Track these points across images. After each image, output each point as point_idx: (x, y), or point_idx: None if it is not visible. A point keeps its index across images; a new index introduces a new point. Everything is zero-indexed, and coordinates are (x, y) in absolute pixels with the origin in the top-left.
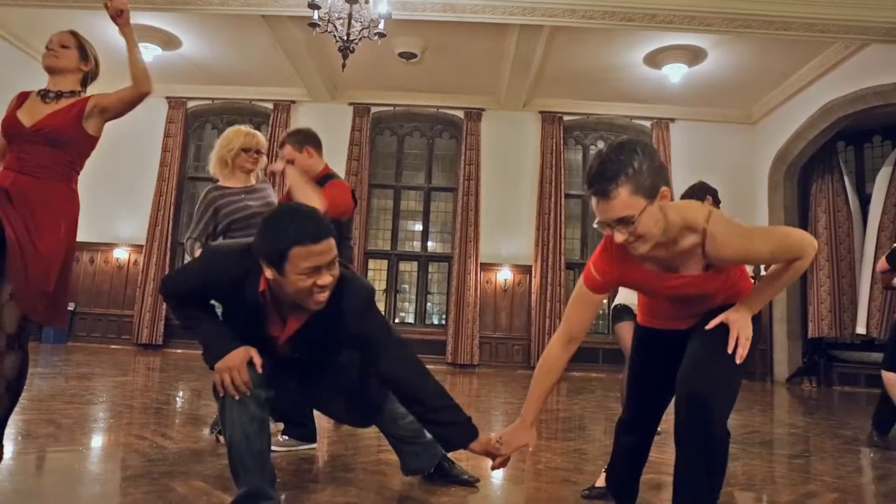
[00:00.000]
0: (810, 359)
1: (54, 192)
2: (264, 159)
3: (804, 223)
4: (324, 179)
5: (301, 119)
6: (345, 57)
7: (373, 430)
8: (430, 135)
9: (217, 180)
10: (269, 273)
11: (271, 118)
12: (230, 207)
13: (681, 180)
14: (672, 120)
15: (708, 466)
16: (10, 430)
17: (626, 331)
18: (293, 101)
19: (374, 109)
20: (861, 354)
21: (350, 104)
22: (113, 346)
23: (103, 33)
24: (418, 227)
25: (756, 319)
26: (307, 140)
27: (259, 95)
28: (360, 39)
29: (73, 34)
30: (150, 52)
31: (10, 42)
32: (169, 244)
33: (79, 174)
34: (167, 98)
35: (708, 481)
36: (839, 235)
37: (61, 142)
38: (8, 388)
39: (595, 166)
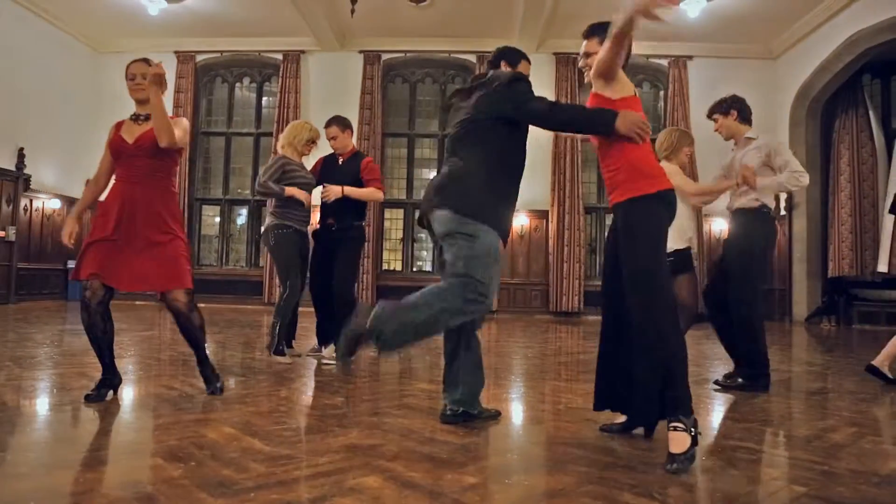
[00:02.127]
0: (830, 298)
1: (160, 193)
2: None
3: (826, 160)
4: (357, 157)
5: (311, 69)
6: (353, 2)
7: (395, 375)
8: (442, 81)
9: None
10: None
11: (281, 69)
12: (292, 174)
13: (700, 119)
14: (690, 57)
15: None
16: (45, 384)
17: (686, 282)
18: (302, 51)
19: (384, 56)
20: (882, 293)
21: (360, 52)
22: (138, 303)
23: None
24: (434, 174)
25: (770, 261)
26: (348, 124)
27: (268, 46)
28: None
29: (150, 63)
30: (155, 6)
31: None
32: (186, 199)
33: (175, 177)
34: (176, 52)
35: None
36: (862, 172)
37: (154, 151)
38: (201, 327)
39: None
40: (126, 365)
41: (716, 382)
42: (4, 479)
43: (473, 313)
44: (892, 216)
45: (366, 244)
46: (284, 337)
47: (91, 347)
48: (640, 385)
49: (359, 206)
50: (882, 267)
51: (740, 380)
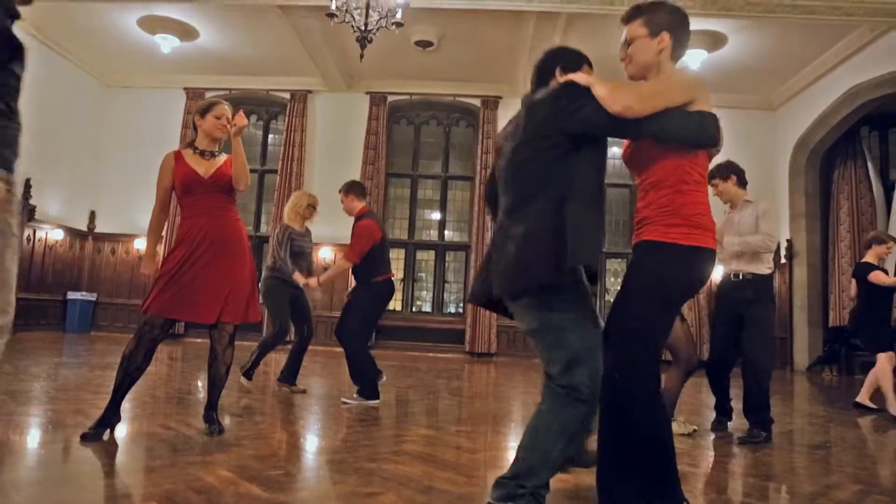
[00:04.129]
0: (831, 347)
1: (233, 224)
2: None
3: (826, 210)
4: (357, 221)
5: (318, 108)
6: (363, 47)
7: (393, 420)
8: (446, 123)
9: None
10: None
11: (288, 107)
12: (298, 242)
13: None
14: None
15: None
16: (40, 419)
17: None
18: (310, 91)
19: (390, 98)
20: None
21: (367, 93)
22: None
23: (121, 24)
24: (435, 215)
25: (774, 308)
26: (349, 188)
27: (276, 85)
28: (377, 30)
29: (230, 109)
30: (168, 44)
31: (25, 31)
32: None
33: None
34: (185, 89)
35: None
36: (862, 223)
37: (228, 187)
38: (227, 371)
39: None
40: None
41: (739, 441)
42: None
43: None
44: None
45: (380, 297)
46: (291, 372)
47: (111, 380)
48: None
49: (366, 268)
50: None
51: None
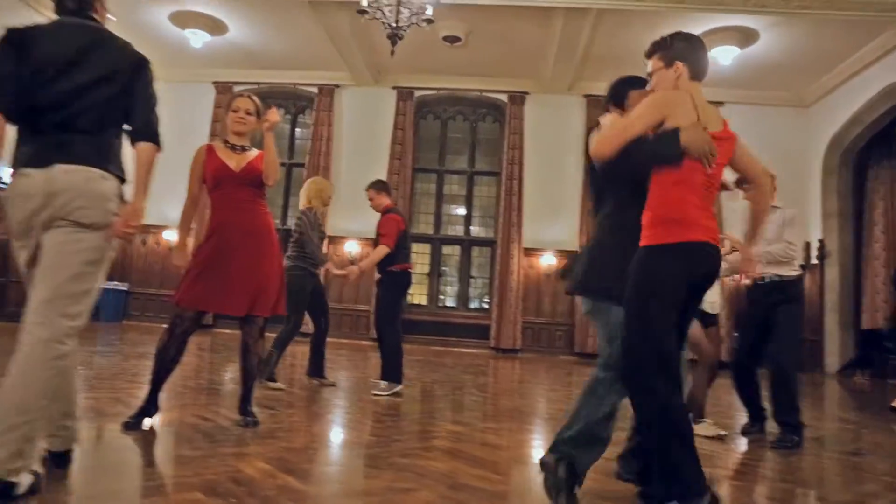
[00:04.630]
0: (863, 350)
1: (263, 218)
2: None
3: (860, 210)
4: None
5: (345, 102)
6: (393, 44)
7: (419, 414)
8: (473, 118)
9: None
10: None
11: (315, 101)
12: (322, 228)
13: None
14: (721, 104)
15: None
16: (81, 408)
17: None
18: (337, 85)
19: (417, 93)
20: None
21: (393, 88)
22: (165, 325)
23: (153, 20)
24: (461, 211)
25: (803, 310)
26: (372, 184)
27: (303, 80)
28: (408, 26)
29: (253, 100)
30: (198, 38)
31: None
32: None
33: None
34: (214, 83)
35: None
36: None
37: (258, 181)
38: (258, 362)
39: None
40: None
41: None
42: None
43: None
44: None
45: (398, 286)
46: (318, 366)
47: (145, 369)
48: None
49: (386, 257)
50: None
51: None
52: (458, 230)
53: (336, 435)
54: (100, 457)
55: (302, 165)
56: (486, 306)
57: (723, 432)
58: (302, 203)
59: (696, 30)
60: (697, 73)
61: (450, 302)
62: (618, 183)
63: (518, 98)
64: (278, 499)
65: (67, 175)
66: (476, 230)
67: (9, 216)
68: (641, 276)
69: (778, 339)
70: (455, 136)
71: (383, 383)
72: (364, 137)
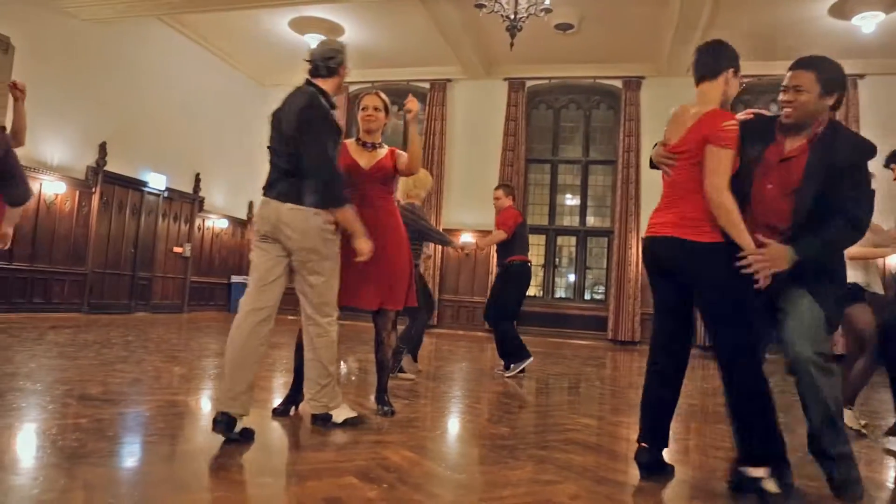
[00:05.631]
0: None
1: (392, 215)
2: None
3: None
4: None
5: (457, 96)
6: (512, 36)
7: (553, 407)
8: (586, 107)
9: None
10: None
11: (428, 97)
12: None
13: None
14: (861, 76)
15: None
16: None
17: (860, 312)
18: (449, 80)
19: (529, 83)
20: None
21: (505, 79)
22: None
23: (275, 28)
24: (575, 201)
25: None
26: (501, 185)
27: (416, 76)
28: (527, 17)
29: (380, 96)
30: (316, 42)
31: (195, 41)
32: None
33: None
34: None
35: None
36: None
37: (389, 179)
38: (392, 353)
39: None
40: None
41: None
42: (228, 483)
43: None
44: None
45: (516, 278)
46: (412, 353)
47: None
48: None
49: (503, 249)
50: None
51: None
52: (573, 220)
53: (470, 425)
54: (256, 437)
55: None
56: (598, 297)
57: (865, 422)
58: (402, 196)
59: None
60: (739, 75)
61: (564, 293)
62: None
63: (633, 83)
64: (427, 486)
65: None
66: (591, 220)
67: None
68: None
69: None
70: (568, 125)
71: (505, 370)
72: (476, 130)
